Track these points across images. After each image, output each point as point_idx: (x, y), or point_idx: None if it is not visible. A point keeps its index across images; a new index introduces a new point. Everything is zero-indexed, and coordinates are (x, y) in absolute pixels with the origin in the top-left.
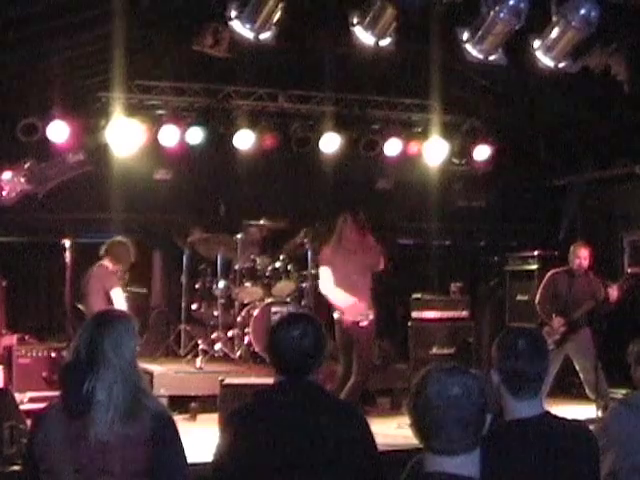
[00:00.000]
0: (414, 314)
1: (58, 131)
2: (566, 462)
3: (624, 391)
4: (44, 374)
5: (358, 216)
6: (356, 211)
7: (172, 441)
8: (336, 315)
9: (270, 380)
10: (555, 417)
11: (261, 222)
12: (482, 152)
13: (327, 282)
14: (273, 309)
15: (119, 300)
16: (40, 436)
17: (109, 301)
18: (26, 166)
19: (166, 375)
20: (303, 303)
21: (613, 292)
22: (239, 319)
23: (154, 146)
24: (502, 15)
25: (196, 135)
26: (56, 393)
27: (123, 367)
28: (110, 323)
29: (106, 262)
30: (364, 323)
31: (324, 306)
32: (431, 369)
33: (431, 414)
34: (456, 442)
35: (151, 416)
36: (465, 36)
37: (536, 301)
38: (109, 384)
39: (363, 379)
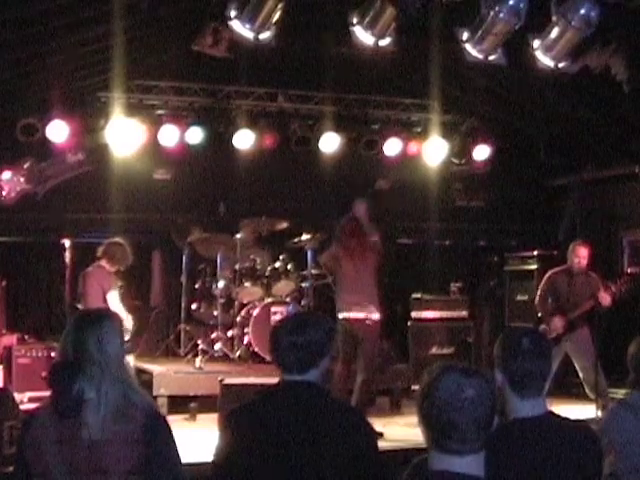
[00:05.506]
0: (414, 314)
1: (58, 131)
2: (570, 462)
3: (624, 391)
4: (44, 374)
5: (354, 216)
6: (353, 208)
7: (165, 438)
8: (341, 315)
9: (270, 380)
10: (558, 417)
11: (257, 220)
12: (482, 152)
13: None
14: (273, 309)
15: (115, 303)
16: (31, 438)
17: (106, 302)
18: (26, 166)
19: (166, 375)
20: (303, 303)
21: (606, 297)
22: (239, 319)
23: (154, 146)
24: (502, 15)
25: (196, 135)
26: None
27: (109, 365)
28: (92, 322)
29: (103, 263)
30: (370, 321)
31: (324, 306)
32: (444, 369)
33: (446, 414)
34: (469, 442)
35: (142, 413)
36: (465, 36)
37: (535, 301)
38: (97, 383)
39: (370, 376)
